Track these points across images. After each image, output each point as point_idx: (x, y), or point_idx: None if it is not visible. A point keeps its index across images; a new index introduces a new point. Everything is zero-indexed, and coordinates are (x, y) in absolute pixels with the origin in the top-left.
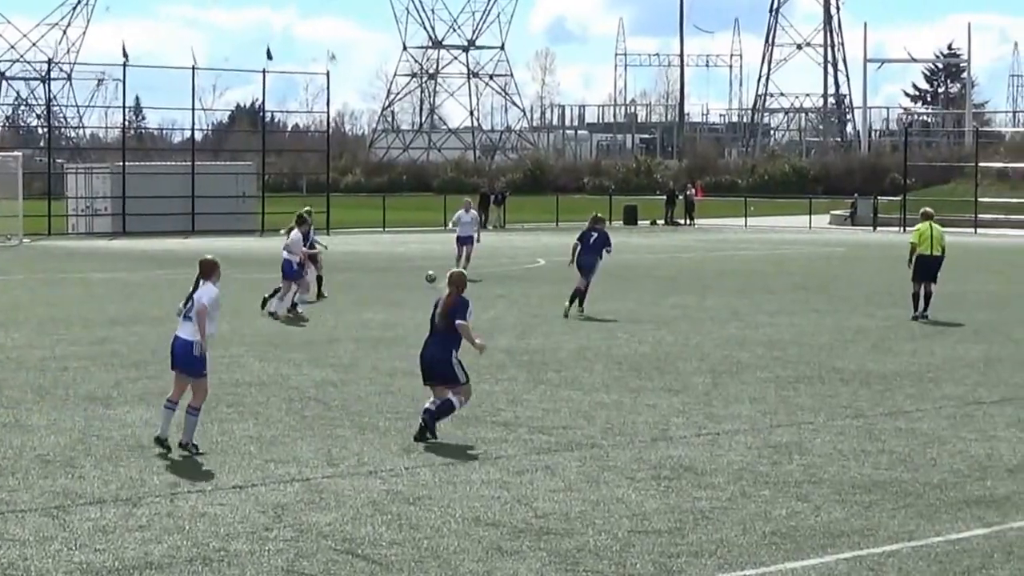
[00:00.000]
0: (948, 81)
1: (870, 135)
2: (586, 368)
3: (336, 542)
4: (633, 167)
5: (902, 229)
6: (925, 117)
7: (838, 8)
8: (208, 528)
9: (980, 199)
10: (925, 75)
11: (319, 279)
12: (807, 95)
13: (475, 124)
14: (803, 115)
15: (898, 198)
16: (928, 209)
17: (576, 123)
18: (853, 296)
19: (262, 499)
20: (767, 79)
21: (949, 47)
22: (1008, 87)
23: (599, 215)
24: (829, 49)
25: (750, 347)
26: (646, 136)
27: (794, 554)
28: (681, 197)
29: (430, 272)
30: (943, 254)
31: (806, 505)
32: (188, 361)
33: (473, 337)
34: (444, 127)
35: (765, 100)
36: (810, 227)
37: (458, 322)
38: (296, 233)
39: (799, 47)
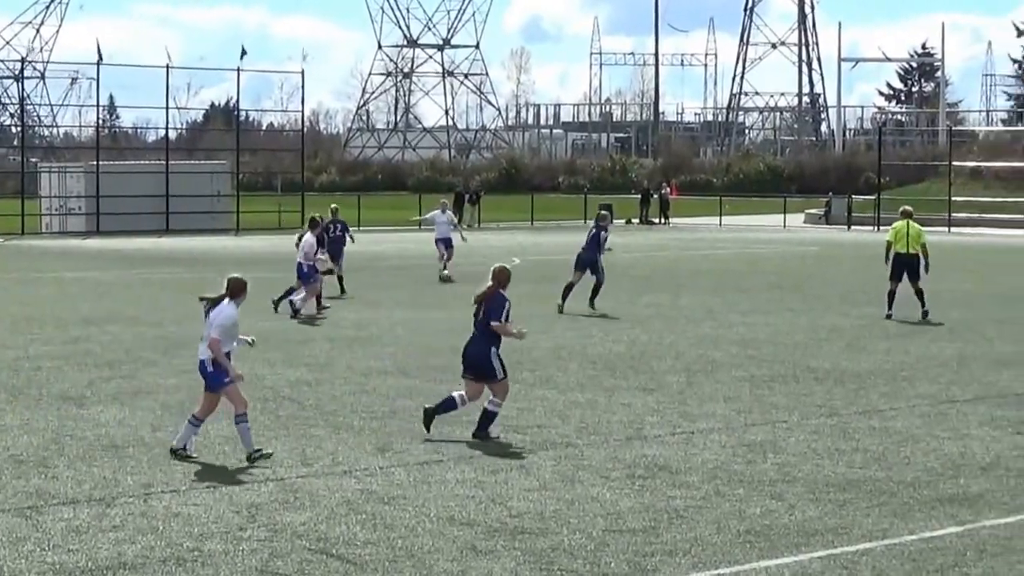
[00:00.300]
0: (922, 80)
1: (844, 134)
2: (560, 367)
3: (310, 542)
4: (608, 166)
5: (876, 228)
6: (899, 116)
7: (812, 7)
8: (182, 528)
9: (954, 198)
10: (899, 74)
11: (339, 279)
12: (782, 94)
13: (450, 123)
14: (778, 114)
15: (872, 197)
16: (907, 208)
17: (551, 122)
18: (827, 295)
19: (236, 499)
20: (742, 78)
21: (923, 46)
22: (981, 86)
23: (603, 213)
24: (803, 48)
25: (724, 346)
26: (621, 135)
27: (768, 552)
28: (656, 196)
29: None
30: (925, 253)
31: (780, 504)
32: (207, 378)
33: (511, 331)
34: (419, 126)
35: (740, 99)
36: (784, 226)
37: (493, 323)
38: (309, 237)
39: (774, 46)
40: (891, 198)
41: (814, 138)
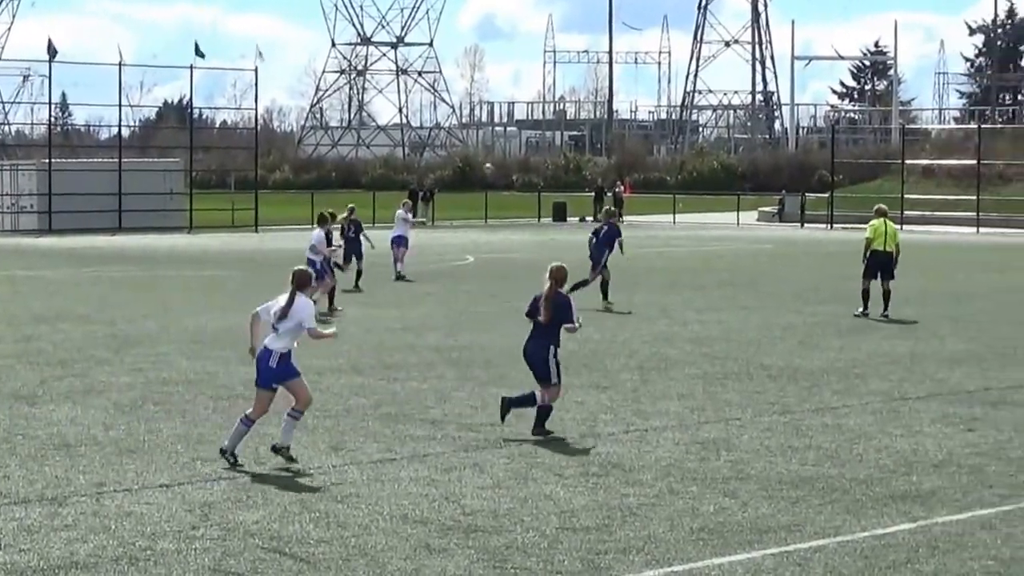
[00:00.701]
0: (875, 78)
1: (798, 132)
2: (514, 365)
3: (263, 540)
4: (562, 164)
5: (829, 226)
6: (852, 114)
7: (766, 6)
8: (134, 527)
9: (907, 196)
10: (852, 72)
11: (358, 273)
12: (735, 92)
13: (404, 121)
14: (731, 112)
15: (825, 195)
16: (882, 206)
17: (505, 120)
18: (781, 293)
19: (189, 498)
20: (695, 76)
21: (876, 45)
22: (934, 85)
23: (611, 209)
24: (757, 46)
25: (678, 344)
26: (575, 133)
27: (721, 550)
28: (610, 194)
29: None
30: (897, 252)
31: (733, 501)
32: (279, 371)
33: (575, 328)
34: (373, 124)
35: (694, 97)
36: (738, 224)
37: (566, 326)
38: (319, 232)
39: (727, 44)
40: (844, 196)
41: (767, 136)
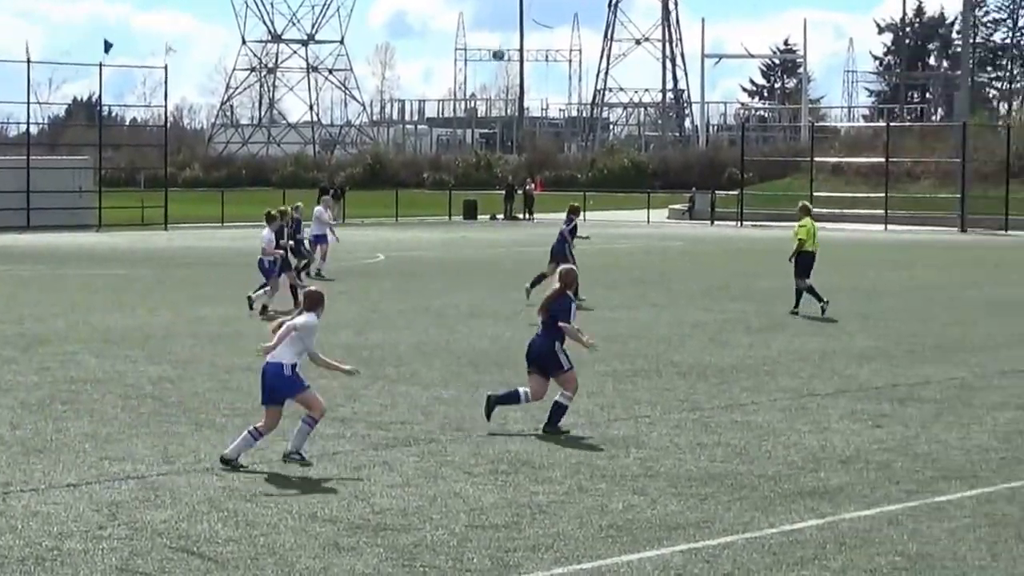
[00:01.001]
0: (784, 77)
1: (708, 130)
2: (425, 363)
3: (171, 540)
4: (473, 162)
5: (739, 223)
6: (762, 112)
7: (676, 4)
8: (41, 527)
9: (815, 193)
10: (762, 70)
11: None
12: (646, 90)
13: (315, 119)
14: (642, 110)
15: (735, 192)
16: (807, 203)
17: (416, 118)
18: (691, 290)
19: (96, 497)
20: (606, 74)
21: (785, 43)
22: (843, 83)
23: (575, 204)
24: (667, 44)
25: None
26: (486, 131)
27: (630, 547)
28: (520, 192)
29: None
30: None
31: (643, 498)
32: (281, 384)
33: (580, 336)
34: (283, 122)
35: (604, 95)
36: (648, 221)
37: (562, 324)
38: (267, 232)
39: (638, 42)
40: (754, 193)
41: (678, 134)
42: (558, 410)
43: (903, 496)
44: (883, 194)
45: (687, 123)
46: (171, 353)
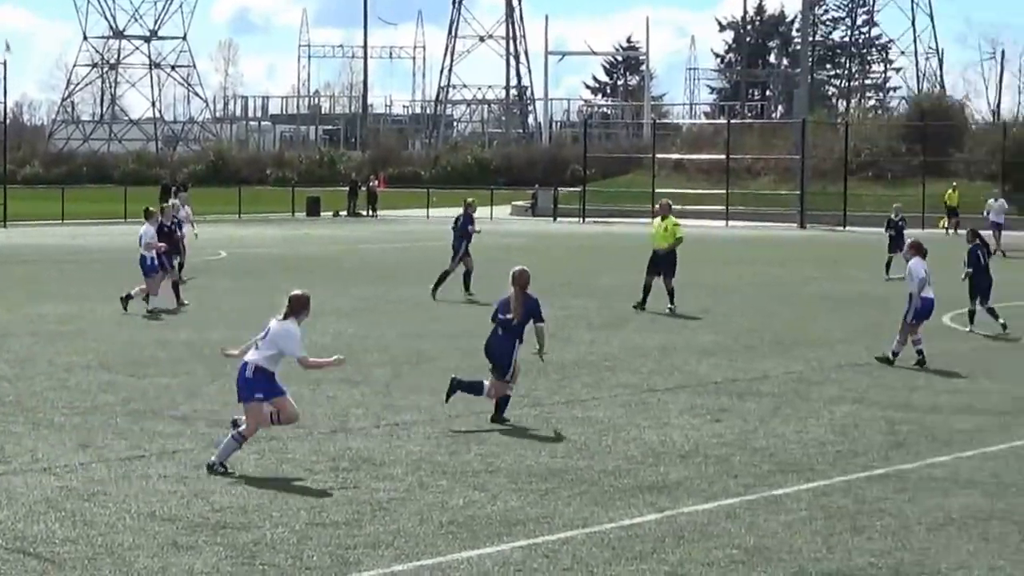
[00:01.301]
0: (627, 74)
1: (551, 127)
2: None
3: (7, 540)
4: (316, 159)
5: (582, 220)
6: (605, 109)
7: (520, 1)
8: None
9: (658, 190)
10: (605, 68)
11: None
12: (490, 87)
13: (157, 115)
14: (486, 107)
15: (578, 189)
16: (667, 201)
17: (259, 114)
18: (533, 287)
19: None
20: (450, 71)
21: (628, 40)
22: (685, 80)
23: (469, 200)
24: (511, 41)
25: (432, 338)
26: (330, 127)
27: (470, 543)
28: (364, 188)
29: None
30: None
31: (483, 494)
32: (257, 385)
33: (545, 340)
34: (125, 118)
35: (448, 92)
36: (491, 218)
37: (538, 324)
38: (148, 228)
39: (482, 39)
40: (596, 190)
41: (521, 130)
42: (504, 401)
43: (741, 490)
44: (724, 191)
45: (531, 120)
46: (8, 351)
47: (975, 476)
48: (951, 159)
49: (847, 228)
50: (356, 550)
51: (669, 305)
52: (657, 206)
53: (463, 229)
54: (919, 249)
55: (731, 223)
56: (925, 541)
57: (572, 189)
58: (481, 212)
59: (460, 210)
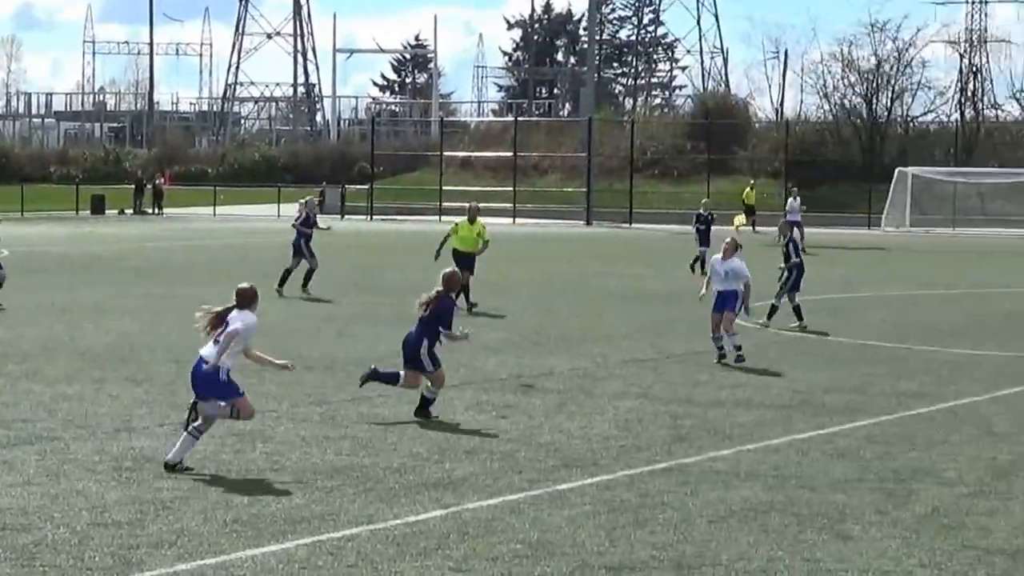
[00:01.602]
0: (416, 72)
1: (339, 124)
2: (49, 359)
3: None
4: (101, 156)
5: (369, 217)
6: (393, 107)
7: None
8: None
9: (445, 188)
10: (393, 65)
11: None
12: (277, 84)
13: None
14: (273, 104)
15: (366, 187)
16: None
17: (43, 111)
18: (320, 283)
19: None
20: (237, 68)
21: (417, 38)
22: (473, 78)
23: (311, 199)
24: (299, 39)
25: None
26: (115, 125)
27: (254, 541)
28: (150, 186)
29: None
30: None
31: (268, 492)
32: (210, 385)
33: (457, 337)
34: None
35: (235, 89)
36: (279, 216)
37: (445, 333)
38: None
39: (269, 36)
40: (384, 188)
41: (309, 128)
42: (425, 401)
43: (526, 485)
44: (511, 188)
45: (319, 117)
46: None
47: (756, 469)
48: (735, 156)
49: (633, 225)
50: (139, 550)
51: (468, 303)
52: (467, 208)
53: (302, 226)
54: (737, 247)
55: (518, 220)
56: (706, 533)
57: (360, 187)
58: (269, 210)
59: (228, 209)
